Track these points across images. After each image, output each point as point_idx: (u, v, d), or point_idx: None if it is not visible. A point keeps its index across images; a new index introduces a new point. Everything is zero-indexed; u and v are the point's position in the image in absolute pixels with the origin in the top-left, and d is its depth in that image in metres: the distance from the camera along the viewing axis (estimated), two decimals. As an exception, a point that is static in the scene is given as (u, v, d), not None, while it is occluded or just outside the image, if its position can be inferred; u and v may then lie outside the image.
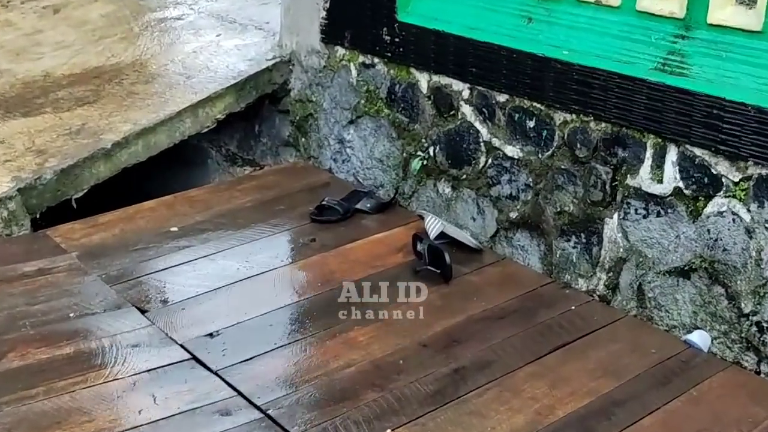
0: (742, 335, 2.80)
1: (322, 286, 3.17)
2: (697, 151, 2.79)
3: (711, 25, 2.75)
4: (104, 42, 4.80)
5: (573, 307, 3.07)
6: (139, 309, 2.99)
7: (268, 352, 2.79)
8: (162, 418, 2.47)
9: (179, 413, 2.49)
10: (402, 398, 2.58)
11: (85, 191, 3.68)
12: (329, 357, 2.77)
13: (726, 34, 2.72)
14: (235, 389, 2.60)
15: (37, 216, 3.55)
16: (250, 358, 2.75)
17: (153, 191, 4.34)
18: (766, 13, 2.63)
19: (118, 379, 2.62)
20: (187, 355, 2.75)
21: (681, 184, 2.86)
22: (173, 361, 2.72)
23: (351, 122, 3.94)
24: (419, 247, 3.28)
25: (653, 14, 2.89)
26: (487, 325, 2.95)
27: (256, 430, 2.45)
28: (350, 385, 2.64)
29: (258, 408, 2.53)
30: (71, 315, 2.94)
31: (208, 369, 2.69)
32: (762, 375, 2.76)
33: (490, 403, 2.56)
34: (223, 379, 2.65)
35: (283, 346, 2.83)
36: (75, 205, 3.65)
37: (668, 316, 2.97)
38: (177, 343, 2.81)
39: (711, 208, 2.80)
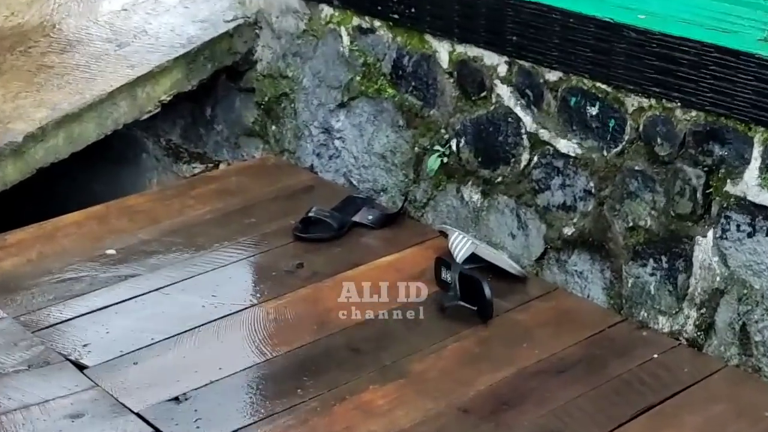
0: None
1: (318, 330, 3.11)
2: (825, 150, 2.77)
3: (843, -18, 2.73)
4: (-1, -4, 4.69)
5: (655, 356, 3.03)
6: (75, 364, 2.91)
7: (256, 422, 2.72)
8: None
9: None
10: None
11: (-11, 202, 3.60)
12: (339, 429, 2.71)
13: None
14: (217, 476, 2.54)
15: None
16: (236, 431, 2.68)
17: (69, 195, 4.26)
18: None
19: (58, 465, 2.54)
20: (147, 429, 2.68)
21: (802, 193, 2.83)
22: (130, 437, 2.65)
23: (341, 105, 3.89)
24: (445, 275, 3.23)
25: (762, -31, 2.87)
26: (544, 381, 2.90)
27: None
28: (371, 467, 2.59)
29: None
30: (-14, 373, 2.86)
31: (178, 448, 2.63)
32: None
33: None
34: (201, 463, 2.58)
35: (276, 414, 2.75)
36: (-27, 220, 3.58)
37: (782, 367, 2.95)
38: (132, 411, 2.73)
39: (843, 224, 2.78)
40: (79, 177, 4.44)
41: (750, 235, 2.94)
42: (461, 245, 3.36)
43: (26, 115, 3.72)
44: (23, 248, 3.45)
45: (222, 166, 4.26)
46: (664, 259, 3.13)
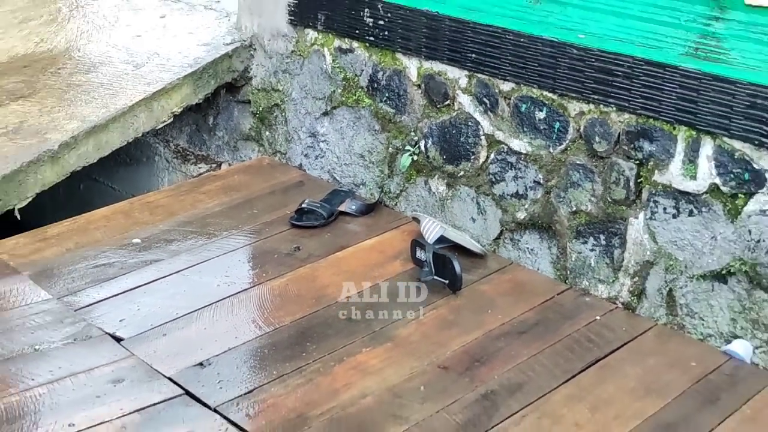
0: (789, 344, 2.78)
1: (316, 302, 3.06)
2: (737, 145, 2.75)
3: (750, 6, 2.70)
4: (29, 25, 4.63)
5: (597, 318, 3.02)
6: (113, 337, 2.85)
7: (269, 382, 2.67)
8: (164, 467, 2.35)
9: (181, 462, 2.38)
10: (431, 431, 2.49)
11: (29, 200, 3.53)
12: (340, 386, 2.67)
13: (768, 16, 2.69)
14: (240, 429, 2.48)
15: (-25, 230, 3.39)
16: (251, 391, 2.63)
17: (93, 194, 4.20)
18: (814, -7, 2.59)
19: (104, 422, 2.47)
20: (178, 390, 2.62)
21: (718, 181, 2.82)
22: (165, 397, 2.59)
23: (325, 113, 3.85)
24: (420, 254, 3.20)
25: (683, -6, 2.84)
26: (508, 341, 2.88)
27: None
28: (369, 418, 2.54)
29: (266, 451, 2.42)
30: (36, 347, 2.78)
31: (206, 405, 2.57)
32: (812, 387, 2.75)
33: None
34: (225, 417, 2.52)
35: (285, 374, 2.71)
36: (18, 216, 3.52)
37: (703, 324, 2.94)
38: (164, 376, 2.68)
39: (752, 206, 2.77)
40: (102, 179, 4.38)
41: (674, 216, 2.93)
42: (431, 229, 3.32)
43: (60, 127, 3.65)
44: (61, 239, 3.38)
45: (224, 167, 4.21)
46: (602, 237, 3.12)
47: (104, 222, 3.51)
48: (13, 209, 3.47)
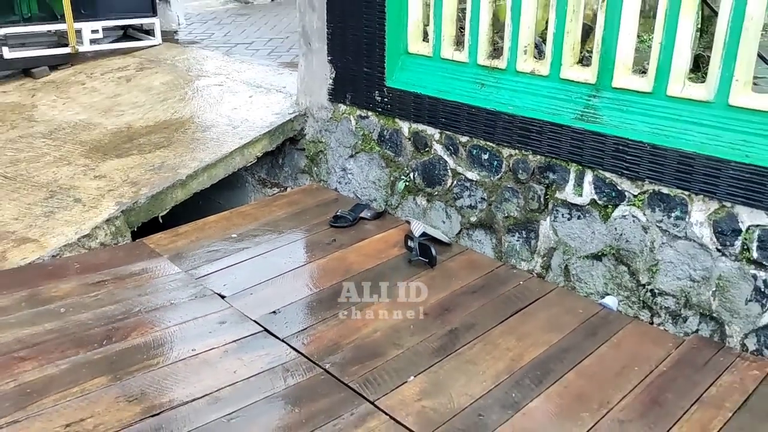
0: (640, 298, 2.78)
1: (345, 273, 3.05)
2: (607, 174, 2.76)
3: (615, 88, 2.72)
4: (167, 102, 4.57)
5: (521, 282, 3.01)
6: (219, 295, 2.84)
7: (317, 323, 2.68)
8: (251, 376, 2.36)
9: (262, 371, 2.38)
10: (416, 353, 2.50)
11: (167, 210, 3.50)
12: (361, 325, 2.67)
13: (626, 94, 2.69)
14: (299, 352, 2.49)
15: (135, 229, 3.36)
16: (305, 328, 2.64)
17: (208, 208, 4.19)
18: (655, 79, 2.60)
19: (214, 348, 2.49)
20: (260, 328, 2.63)
21: (595, 197, 2.82)
22: (251, 333, 2.60)
23: (351, 156, 3.83)
24: (410, 243, 3.19)
25: (572, 80, 2.84)
26: (465, 297, 2.87)
27: (319, 383, 2.34)
28: (379, 345, 2.55)
29: (318, 365, 2.42)
30: (172, 302, 2.78)
31: (277, 337, 2.58)
32: (654, 325, 2.74)
33: (479, 354, 2.50)
34: (289, 345, 2.53)
35: (327, 318, 2.71)
36: (161, 221, 3.48)
37: (587, 287, 2.94)
38: (251, 319, 2.68)
39: (617, 213, 2.77)
40: (214, 197, 4.36)
41: (569, 219, 2.93)
42: (417, 227, 3.32)
43: (186, 165, 3.63)
44: (187, 234, 3.36)
45: (289, 190, 4.18)
46: (524, 232, 3.12)
47: (214, 224, 3.49)
48: (158, 216, 3.44)
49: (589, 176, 2.82)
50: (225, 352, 2.46)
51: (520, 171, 3.05)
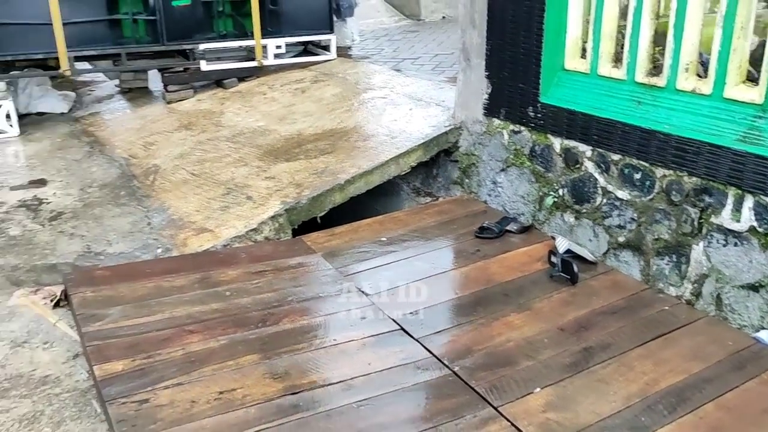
0: (801, 336, 2.57)
1: (486, 283, 3.08)
2: (770, 201, 2.59)
3: (783, 109, 2.54)
4: (335, 112, 4.88)
5: (666, 308, 2.88)
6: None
7: (452, 327, 2.75)
8: (384, 369, 2.47)
9: (394, 366, 2.49)
10: (547, 366, 2.49)
11: (326, 212, 3.73)
12: (494, 334, 2.70)
13: (796, 117, 2.51)
14: (431, 352, 2.58)
15: (296, 227, 3.62)
16: (440, 331, 2.71)
17: (364, 212, 4.37)
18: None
19: (353, 340, 2.64)
20: (397, 327, 2.74)
21: (755, 224, 2.65)
22: (389, 330, 2.72)
23: (502, 170, 3.86)
24: (553, 259, 3.16)
25: (737, 100, 2.69)
26: (605, 317, 2.80)
27: (446, 384, 2.41)
28: (510, 355, 2.57)
29: (447, 367, 2.49)
30: (321, 295, 2.97)
31: (412, 337, 2.67)
32: (816, 366, 2.52)
33: (612, 374, 2.44)
34: (423, 345, 2.62)
35: (462, 324, 2.78)
36: (319, 221, 3.71)
37: (740, 318, 2.76)
38: (390, 318, 2.79)
39: (779, 242, 2.59)
40: (370, 203, 4.54)
41: (724, 246, 2.77)
42: (562, 244, 3.29)
43: (345, 171, 3.84)
44: (341, 235, 3.53)
45: (440, 199, 4.28)
46: (674, 256, 2.97)
47: (367, 227, 3.63)
48: (316, 217, 3.66)
49: (749, 201, 2.65)
50: (363, 345, 2.60)
51: (674, 192, 2.93)
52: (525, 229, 3.59)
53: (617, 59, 3.19)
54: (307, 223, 3.68)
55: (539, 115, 3.53)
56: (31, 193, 4.07)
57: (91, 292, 2.92)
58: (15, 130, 5.06)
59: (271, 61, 5.88)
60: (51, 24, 4.96)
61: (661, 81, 2.95)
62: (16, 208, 3.89)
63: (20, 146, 4.89)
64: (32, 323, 2.81)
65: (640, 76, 3.04)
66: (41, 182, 4.24)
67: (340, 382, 2.38)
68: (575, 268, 3.04)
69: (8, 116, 5.04)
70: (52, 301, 2.92)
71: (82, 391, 2.47)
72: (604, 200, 3.27)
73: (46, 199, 4.01)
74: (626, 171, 3.13)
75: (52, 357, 2.64)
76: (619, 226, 3.21)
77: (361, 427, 2.17)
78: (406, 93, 4.99)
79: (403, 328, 2.72)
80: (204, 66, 5.70)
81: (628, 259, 3.19)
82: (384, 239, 3.50)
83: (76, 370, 2.57)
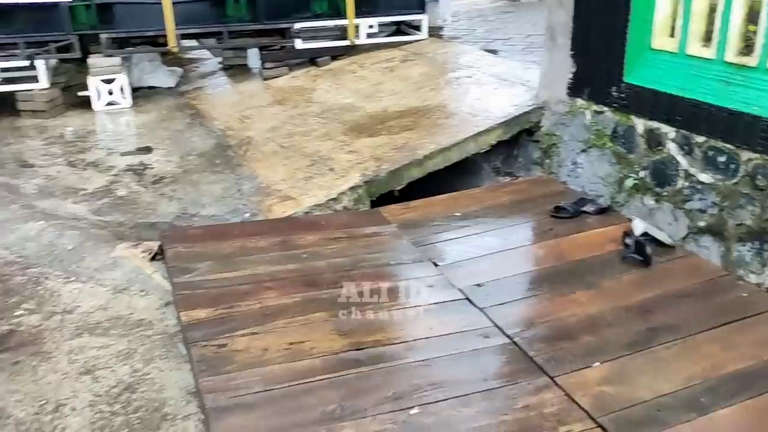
0: None
1: (555, 260, 3.09)
2: None
3: None
4: (421, 91, 4.95)
5: (744, 295, 2.79)
6: (433, 263, 3.06)
7: (516, 300, 2.79)
8: (444, 335, 2.55)
9: (455, 333, 2.56)
10: (608, 343, 2.48)
11: (403, 186, 3.82)
12: (559, 308, 2.72)
13: None
14: (493, 322, 2.63)
15: (374, 199, 3.73)
16: (504, 303, 2.75)
17: (444, 188, 4.41)
18: None
19: (419, 306, 2.73)
20: (462, 296, 2.80)
21: (844, 211, 2.51)
22: (453, 299, 2.79)
23: (583, 150, 3.81)
24: (627, 240, 3.12)
25: (832, 81, 2.56)
26: (676, 300, 2.74)
27: (504, 351, 2.46)
28: (572, 329, 2.58)
29: (508, 336, 2.54)
30: (392, 263, 3.07)
31: (476, 306, 2.73)
32: None
33: (675, 355, 2.41)
34: (486, 314, 2.67)
35: (527, 297, 2.82)
36: (397, 194, 3.80)
37: (823, 310, 2.63)
38: (456, 287, 2.86)
39: None
40: (450, 180, 4.58)
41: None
42: (639, 226, 3.22)
43: (425, 146, 3.92)
44: (417, 209, 3.61)
45: (520, 179, 4.27)
46: (757, 243, 2.86)
47: (442, 202, 3.69)
48: (394, 190, 3.77)
49: (838, 187, 2.52)
50: (427, 311, 2.69)
51: (760, 177, 2.82)
52: (602, 211, 3.54)
53: (707, 38, 3.08)
54: (386, 195, 3.78)
55: (623, 96, 3.47)
56: (137, 159, 4.40)
57: (183, 248, 3.15)
58: (128, 101, 5.44)
59: (363, 40, 6.00)
60: (161, 3, 5.29)
61: (752, 61, 2.84)
62: (124, 171, 4.23)
63: (131, 117, 5.27)
64: (132, 273, 3.07)
65: (731, 56, 2.93)
66: (147, 149, 4.57)
67: (402, 342, 2.48)
68: (649, 251, 2.99)
69: (122, 89, 5.43)
70: (150, 254, 3.18)
71: (170, 335, 2.69)
72: (686, 183, 3.18)
73: (151, 164, 4.32)
74: (710, 154, 3.04)
75: (147, 303, 2.89)
76: (700, 210, 3.12)
77: (418, 383, 2.26)
78: (492, 73, 4.99)
79: (468, 298, 2.78)
80: (299, 44, 5.90)
81: (707, 244, 3.10)
82: (458, 214, 3.56)
83: (167, 317, 2.80)
